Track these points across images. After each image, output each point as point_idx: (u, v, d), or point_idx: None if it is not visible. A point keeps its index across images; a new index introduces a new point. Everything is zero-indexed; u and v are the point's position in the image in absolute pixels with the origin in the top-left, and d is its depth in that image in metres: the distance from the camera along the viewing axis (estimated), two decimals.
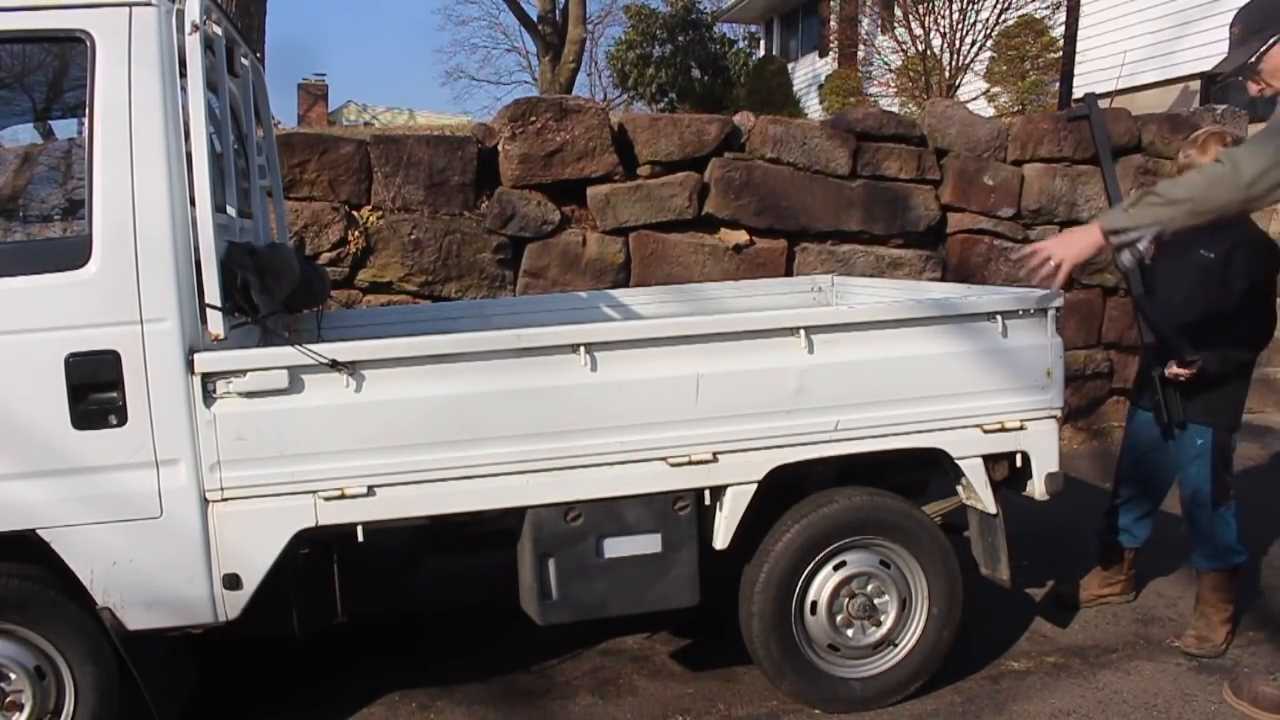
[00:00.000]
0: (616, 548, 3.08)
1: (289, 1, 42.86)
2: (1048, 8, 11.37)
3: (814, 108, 16.99)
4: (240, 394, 2.80)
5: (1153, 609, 3.69)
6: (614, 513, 3.06)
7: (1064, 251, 2.99)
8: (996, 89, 11.94)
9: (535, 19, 21.86)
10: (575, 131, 6.00)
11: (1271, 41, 2.82)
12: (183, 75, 2.84)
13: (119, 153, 2.73)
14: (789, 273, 6.30)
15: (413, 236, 5.85)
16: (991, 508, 3.32)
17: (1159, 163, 6.80)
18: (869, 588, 3.30)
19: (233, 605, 2.87)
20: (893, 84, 13.02)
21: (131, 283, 2.73)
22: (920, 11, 11.81)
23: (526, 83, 30.62)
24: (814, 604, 3.27)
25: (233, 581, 2.85)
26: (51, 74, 3.02)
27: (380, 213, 5.84)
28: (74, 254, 2.73)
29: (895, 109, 10.70)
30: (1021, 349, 3.25)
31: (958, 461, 3.27)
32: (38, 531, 2.75)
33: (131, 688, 2.87)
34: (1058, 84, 9.85)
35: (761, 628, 3.23)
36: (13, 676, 2.83)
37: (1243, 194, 2.72)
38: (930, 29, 11.75)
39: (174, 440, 2.77)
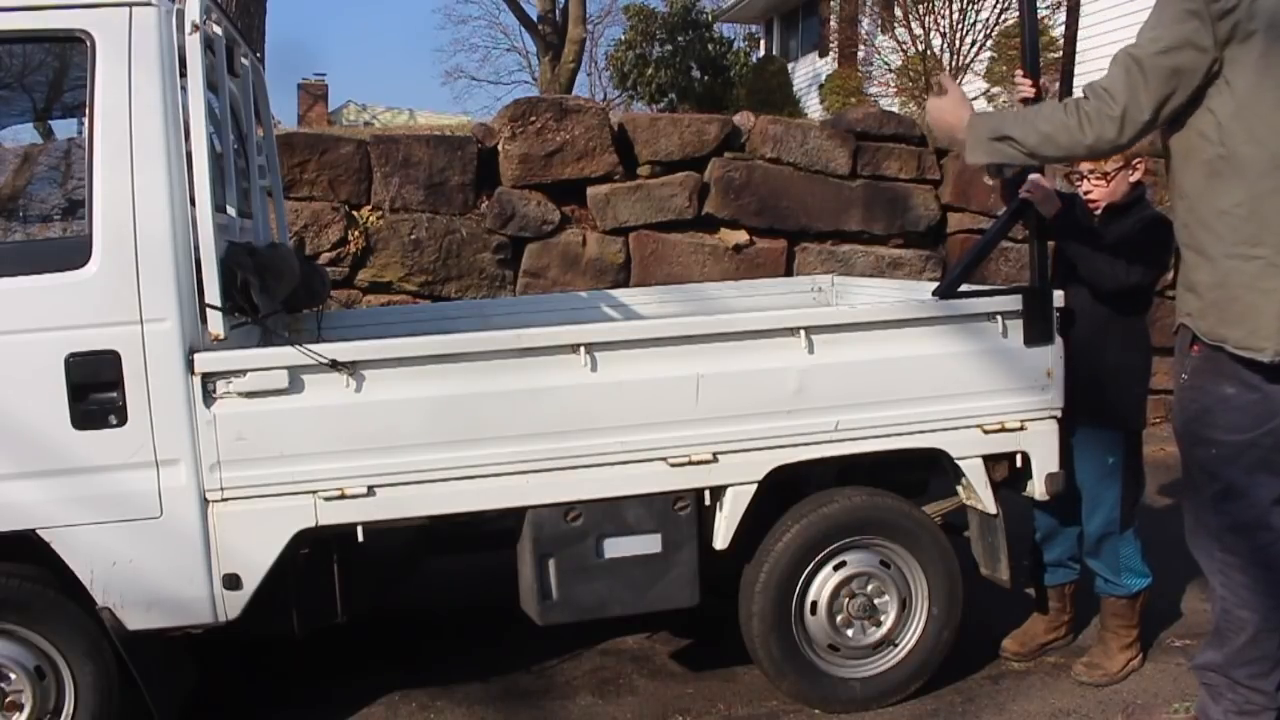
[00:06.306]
0: (616, 548, 3.07)
1: (289, 1, 42.88)
2: (1048, 8, 11.35)
3: (814, 108, 16.98)
4: (240, 394, 2.80)
5: (1151, 607, 3.69)
6: (614, 513, 3.06)
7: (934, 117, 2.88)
8: (996, 89, 11.93)
9: (535, 19, 21.87)
10: (575, 131, 6.00)
11: None
12: (183, 75, 2.84)
13: (119, 153, 2.73)
14: (789, 273, 6.31)
15: (413, 236, 5.85)
16: (991, 508, 3.32)
17: (1158, 162, 6.78)
18: (869, 588, 3.30)
19: (233, 605, 2.87)
20: (893, 84, 13.02)
21: (131, 283, 2.73)
22: (920, 11, 11.81)
23: (526, 83, 30.62)
24: (814, 604, 3.27)
25: (233, 581, 2.85)
26: (51, 74, 3.02)
27: (380, 213, 5.84)
28: (74, 254, 2.73)
29: (895, 109, 10.70)
30: (1022, 349, 3.25)
31: (958, 462, 3.27)
32: (38, 531, 2.75)
33: (131, 687, 2.87)
34: (1058, 84, 9.81)
35: (761, 628, 3.23)
36: (13, 676, 2.83)
37: (1085, 151, 2.67)
38: (930, 29, 11.75)
39: (174, 440, 2.77)
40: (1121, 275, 3.27)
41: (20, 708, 2.83)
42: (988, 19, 11.46)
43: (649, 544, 3.09)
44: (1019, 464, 3.34)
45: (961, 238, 6.64)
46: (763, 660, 3.28)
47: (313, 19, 57.48)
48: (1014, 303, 3.26)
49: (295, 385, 2.83)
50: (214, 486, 2.81)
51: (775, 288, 4.71)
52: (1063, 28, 10.33)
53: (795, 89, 17.63)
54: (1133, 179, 3.43)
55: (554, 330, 3.10)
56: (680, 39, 17.91)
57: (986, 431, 3.26)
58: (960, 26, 11.56)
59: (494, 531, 3.29)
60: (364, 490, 2.88)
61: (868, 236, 6.51)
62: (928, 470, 3.51)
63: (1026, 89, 3.25)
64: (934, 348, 3.21)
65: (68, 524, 2.75)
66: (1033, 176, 3.35)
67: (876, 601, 3.30)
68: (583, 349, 2.97)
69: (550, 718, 3.39)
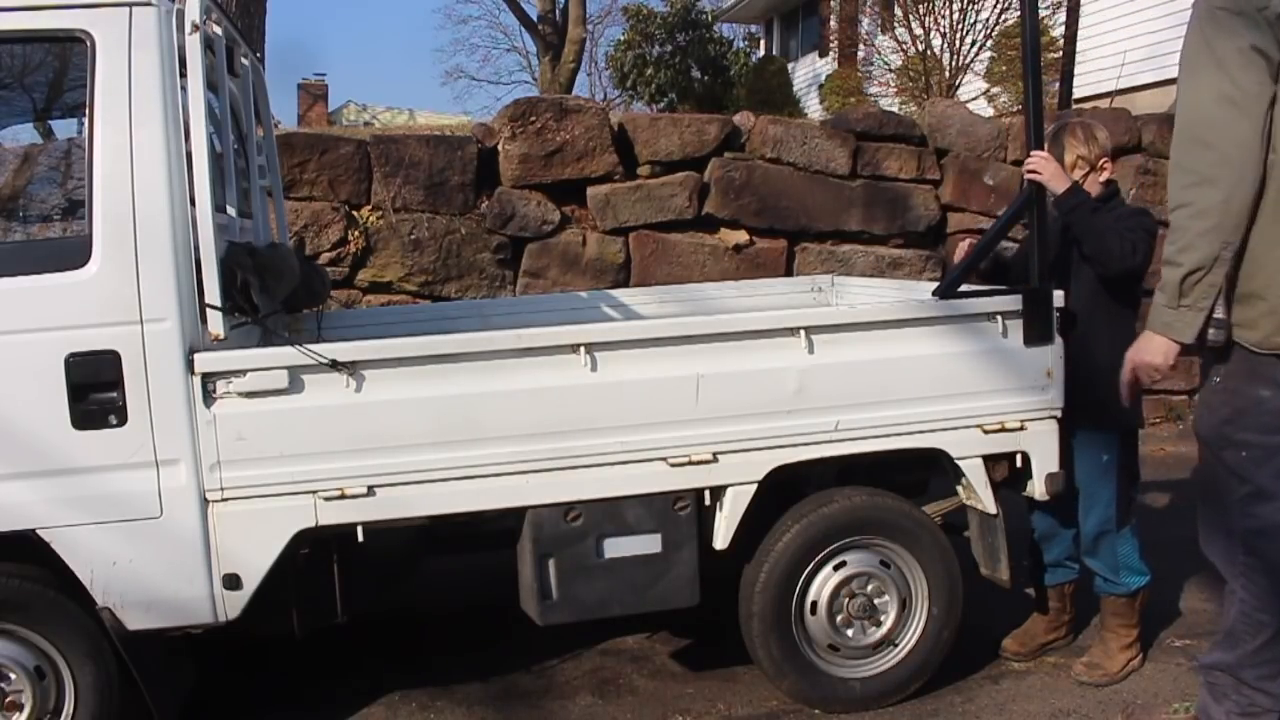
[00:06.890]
0: (616, 548, 3.08)
1: (289, 1, 42.90)
2: (1048, 8, 11.34)
3: (814, 108, 16.98)
4: (240, 394, 2.80)
5: (1151, 607, 3.69)
6: (614, 513, 3.06)
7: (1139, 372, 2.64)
8: (996, 89, 11.93)
9: (535, 19, 21.86)
10: (575, 131, 6.01)
11: None
12: (183, 75, 2.84)
13: (119, 153, 2.73)
14: (789, 273, 6.31)
15: (413, 236, 5.85)
16: (991, 508, 3.32)
17: (1159, 163, 6.80)
18: (869, 588, 3.29)
19: (233, 605, 2.87)
20: (893, 84, 13.01)
21: (131, 283, 2.73)
22: (920, 11, 11.80)
23: (526, 83, 30.58)
24: (814, 604, 3.27)
25: (233, 581, 2.85)
26: (51, 74, 3.02)
27: (380, 213, 5.84)
28: (74, 254, 2.73)
29: (895, 109, 10.69)
30: (1022, 349, 3.25)
31: (958, 462, 3.27)
32: (38, 532, 2.75)
33: (131, 687, 2.87)
34: (1058, 84, 9.83)
35: (761, 628, 3.23)
36: (13, 676, 2.83)
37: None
38: (930, 29, 11.74)
39: (174, 440, 2.77)
40: (1129, 254, 3.27)
41: (20, 708, 2.83)
42: (988, 19, 11.45)
43: (649, 544, 3.09)
44: (1019, 464, 3.34)
45: (961, 238, 6.64)
46: (763, 660, 3.28)
47: (313, 19, 57.55)
48: (1014, 303, 3.26)
49: (295, 385, 2.83)
50: (214, 486, 2.81)
51: (775, 288, 4.71)
52: (1063, 28, 10.33)
53: (795, 89, 17.63)
54: (1102, 179, 3.44)
55: (554, 330, 3.10)
56: (680, 39, 17.91)
57: (986, 431, 3.26)
58: (960, 26, 11.55)
59: (494, 531, 3.29)
60: (364, 490, 2.88)
61: (868, 236, 6.51)
62: (928, 470, 3.51)
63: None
64: (934, 348, 3.21)
65: (68, 524, 2.75)
66: (1036, 152, 3.32)
67: (876, 601, 3.30)
68: (583, 349, 2.97)
69: (550, 718, 3.39)
